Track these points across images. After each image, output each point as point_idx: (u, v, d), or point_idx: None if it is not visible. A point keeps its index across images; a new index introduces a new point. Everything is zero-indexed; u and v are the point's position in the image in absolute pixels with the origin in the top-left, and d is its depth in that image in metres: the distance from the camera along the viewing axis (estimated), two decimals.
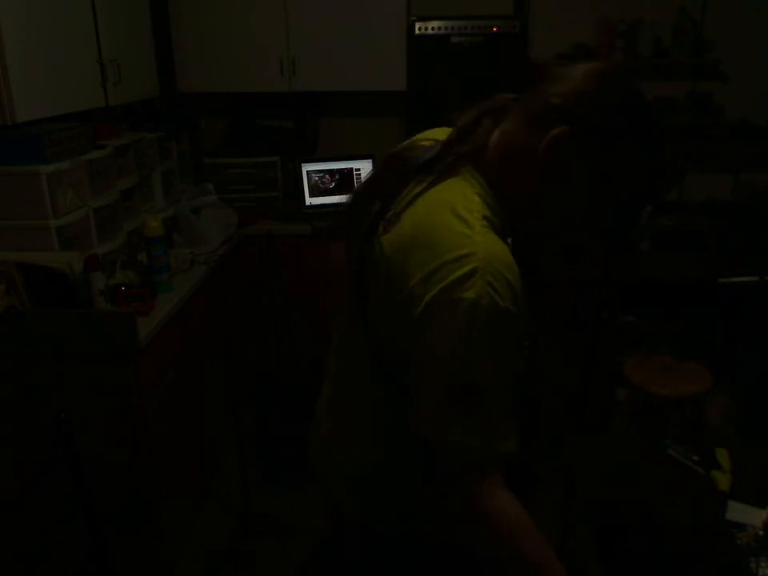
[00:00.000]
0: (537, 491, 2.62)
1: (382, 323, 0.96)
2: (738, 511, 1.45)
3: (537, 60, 0.84)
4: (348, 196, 1.09)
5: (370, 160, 3.33)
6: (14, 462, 1.95)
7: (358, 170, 3.34)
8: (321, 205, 3.31)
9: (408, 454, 1.00)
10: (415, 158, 0.99)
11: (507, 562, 0.90)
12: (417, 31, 3.04)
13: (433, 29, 3.04)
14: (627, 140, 0.88)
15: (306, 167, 3.29)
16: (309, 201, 3.30)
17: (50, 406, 1.94)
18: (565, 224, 0.98)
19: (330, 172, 3.32)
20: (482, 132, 0.96)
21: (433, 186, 0.93)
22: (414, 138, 1.10)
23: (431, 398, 0.86)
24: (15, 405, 1.93)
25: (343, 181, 3.33)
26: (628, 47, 3.23)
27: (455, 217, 0.87)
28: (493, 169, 0.93)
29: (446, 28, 3.03)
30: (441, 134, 1.04)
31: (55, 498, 1.96)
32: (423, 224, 0.90)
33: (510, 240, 0.94)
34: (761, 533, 1.38)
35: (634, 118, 0.88)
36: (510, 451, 0.90)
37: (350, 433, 1.11)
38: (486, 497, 0.88)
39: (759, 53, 3.26)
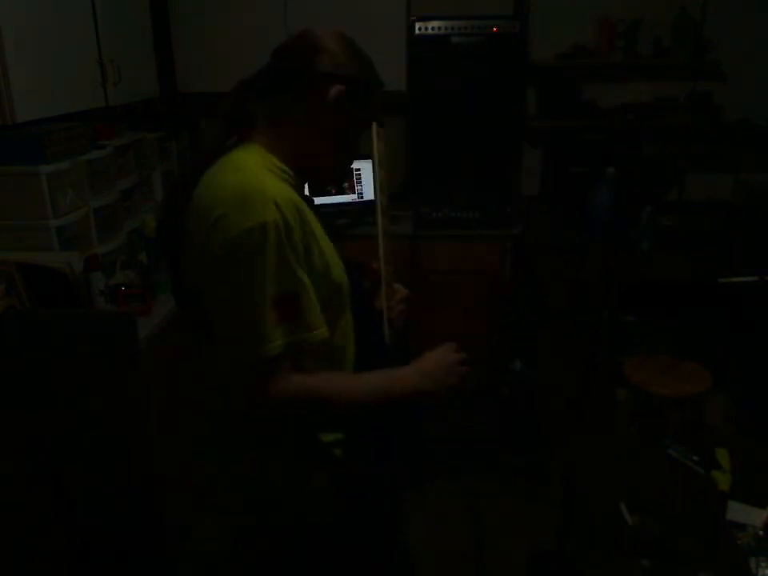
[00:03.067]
0: (538, 491, 2.63)
1: (199, 293, 1.06)
2: (737, 511, 1.45)
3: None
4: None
5: (370, 160, 3.32)
6: (13, 461, 1.95)
7: (358, 169, 3.33)
8: (320, 205, 3.30)
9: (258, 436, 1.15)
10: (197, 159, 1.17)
11: (354, 409, 1.10)
12: (417, 31, 3.04)
13: (433, 29, 3.04)
14: (369, 81, 1.15)
15: None
16: None
17: (50, 405, 1.94)
18: (337, 156, 1.19)
19: None
20: (240, 112, 1.13)
21: (210, 168, 1.07)
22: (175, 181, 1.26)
23: (246, 319, 0.99)
24: (15, 405, 1.93)
25: None
26: (628, 47, 3.23)
27: (238, 171, 1.03)
28: (274, 133, 1.11)
29: (445, 28, 3.03)
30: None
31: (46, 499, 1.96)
32: (203, 191, 1.04)
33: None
34: (761, 533, 1.38)
35: (366, 62, 1.16)
36: (326, 336, 1.05)
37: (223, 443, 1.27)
38: (294, 382, 1.03)
39: (759, 53, 3.26)
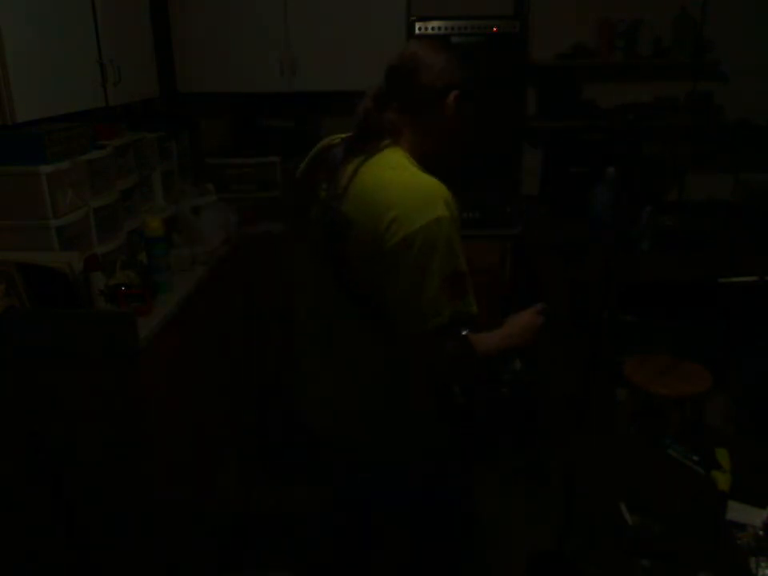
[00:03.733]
0: (538, 491, 2.63)
1: (362, 270, 1.26)
2: (738, 511, 1.45)
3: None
4: (288, 191, 1.44)
5: None
6: (13, 461, 1.95)
7: None
8: None
9: (396, 382, 1.35)
10: (337, 151, 1.35)
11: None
12: (417, 31, 3.04)
13: (433, 29, 3.04)
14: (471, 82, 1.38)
15: None
16: None
17: (50, 405, 1.94)
18: (455, 151, 1.41)
19: None
20: (381, 119, 1.32)
21: (366, 161, 1.27)
22: (320, 143, 1.46)
23: (426, 298, 1.19)
24: (15, 405, 1.93)
25: None
26: (628, 47, 3.23)
27: (396, 170, 1.25)
28: (408, 138, 1.32)
29: (445, 28, 3.03)
30: (338, 137, 1.41)
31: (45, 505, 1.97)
32: (375, 186, 1.24)
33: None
34: (761, 533, 1.38)
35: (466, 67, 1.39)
36: (477, 312, 1.26)
37: (343, 379, 1.42)
38: (459, 344, 1.25)
39: (759, 53, 3.26)
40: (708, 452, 1.64)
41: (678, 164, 3.37)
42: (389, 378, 1.35)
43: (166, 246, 2.34)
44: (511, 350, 1.45)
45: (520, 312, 1.46)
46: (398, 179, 1.23)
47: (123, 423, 1.97)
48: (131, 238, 2.51)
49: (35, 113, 1.98)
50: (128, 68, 2.57)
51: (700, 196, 3.38)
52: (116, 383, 1.92)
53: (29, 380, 1.93)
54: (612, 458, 1.70)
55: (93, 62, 2.34)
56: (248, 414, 2.92)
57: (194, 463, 2.49)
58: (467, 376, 1.39)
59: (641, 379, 2.40)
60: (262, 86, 3.21)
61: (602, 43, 3.27)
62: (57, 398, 1.94)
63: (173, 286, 2.32)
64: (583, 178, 3.11)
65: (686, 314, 2.84)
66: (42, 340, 1.88)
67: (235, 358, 3.03)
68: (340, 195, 1.26)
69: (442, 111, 1.33)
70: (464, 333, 1.27)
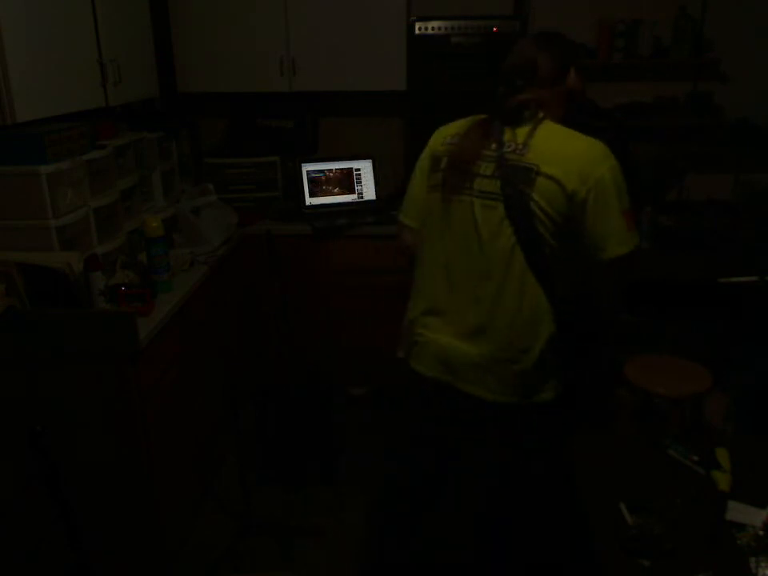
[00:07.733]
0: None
1: (546, 203, 1.53)
2: (738, 511, 1.45)
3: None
4: (455, 152, 1.71)
5: (370, 160, 3.32)
6: (11, 461, 1.95)
7: (358, 169, 3.34)
8: (321, 205, 3.31)
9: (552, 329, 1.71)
10: (496, 121, 1.68)
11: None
12: (417, 31, 3.04)
13: (433, 29, 3.04)
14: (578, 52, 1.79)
15: (306, 167, 3.28)
16: (309, 201, 3.30)
17: (50, 406, 1.94)
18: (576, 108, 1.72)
19: (330, 172, 3.32)
20: (528, 100, 1.65)
21: (536, 127, 1.60)
22: (471, 118, 1.79)
23: (614, 228, 1.51)
24: (14, 405, 1.93)
25: (343, 181, 3.33)
26: (628, 47, 3.23)
27: (566, 132, 1.61)
28: (551, 108, 1.65)
29: (445, 28, 3.03)
30: (480, 117, 1.76)
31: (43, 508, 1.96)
32: (559, 142, 1.58)
33: None
34: (761, 533, 1.38)
35: (572, 45, 1.78)
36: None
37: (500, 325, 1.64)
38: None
39: (759, 53, 3.26)
40: (708, 452, 1.64)
41: (678, 164, 3.37)
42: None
43: (166, 246, 2.34)
44: None
45: None
46: (576, 138, 1.58)
47: (123, 423, 1.97)
48: (131, 238, 2.51)
49: (35, 113, 1.98)
50: (128, 68, 2.58)
51: (700, 196, 3.38)
52: (116, 383, 1.92)
53: (29, 380, 1.93)
54: (612, 458, 1.70)
55: (93, 62, 2.34)
56: (247, 415, 2.91)
57: (194, 464, 2.49)
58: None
59: (641, 379, 2.39)
60: (261, 86, 3.21)
61: (602, 43, 3.27)
62: (57, 398, 1.94)
63: (173, 286, 2.32)
64: None
65: (686, 313, 2.84)
66: (42, 340, 1.88)
67: (235, 357, 3.03)
68: (519, 149, 1.57)
69: (566, 84, 1.68)
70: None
